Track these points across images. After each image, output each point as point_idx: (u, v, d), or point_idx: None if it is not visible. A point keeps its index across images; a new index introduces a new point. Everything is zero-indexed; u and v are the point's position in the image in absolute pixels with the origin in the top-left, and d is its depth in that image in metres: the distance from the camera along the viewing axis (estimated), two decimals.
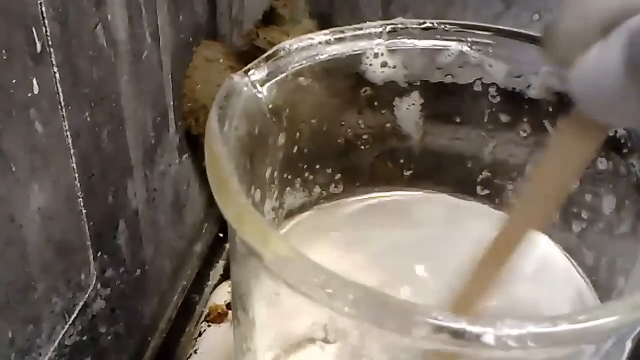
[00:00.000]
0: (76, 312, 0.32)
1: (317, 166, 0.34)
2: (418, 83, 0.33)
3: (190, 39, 0.42)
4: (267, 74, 0.29)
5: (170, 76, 0.40)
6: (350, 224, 0.36)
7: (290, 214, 0.34)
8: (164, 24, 0.38)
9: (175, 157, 0.42)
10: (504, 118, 0.33)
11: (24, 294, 0.28)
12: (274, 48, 0.30)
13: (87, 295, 0.33)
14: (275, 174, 0.32)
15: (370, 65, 0.32)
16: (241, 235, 0.22)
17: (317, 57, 0.30)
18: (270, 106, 0.30)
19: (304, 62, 0.30)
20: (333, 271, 0.20)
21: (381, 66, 0.32)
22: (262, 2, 0.47)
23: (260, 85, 0.29)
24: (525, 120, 0.32)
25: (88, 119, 0.31)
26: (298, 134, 0.32)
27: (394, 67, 0.32)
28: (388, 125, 0.34)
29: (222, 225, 0.49)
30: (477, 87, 0.32)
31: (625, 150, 0.29)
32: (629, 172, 0.29)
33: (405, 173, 0.36)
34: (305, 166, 0.33)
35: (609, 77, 0.20)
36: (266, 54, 0.30)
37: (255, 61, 0.29)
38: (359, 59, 0.32)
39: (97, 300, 0.34)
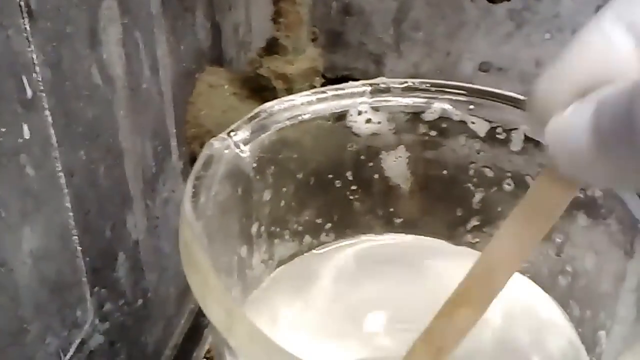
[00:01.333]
0: (72, 350, 0.33)
1: (306, 217, 0.35)
2: (404, 137, 0.33)
3: (193, 66, 0.43)
4: (250, 133, 0.30)
5: (172, 104, 0.40)
6: (341, 270, 0.36)
7: (282, 263, 0.35)
8: (164, 55, 0.38)
9: (180, 182, 0.43)
10: (488, 172, 0.33)
11: (15, 338, 0.28)
12: (256, 110, 0.31)
13: (83, 332, 0.33)
14: (263, 228, 0.32)
15: (355, 122, 0.32)
16: (209, 316, 0.23)
17: (300, 117, 0.31)
18: (254, 165, 0.31)
19: (287, 122, 0.31)
20: (297, 357, 0.21)
21: (366, 122, 0.32)
22: (266, 29, 0.47)
23: (244, 145, 0.30)
24: (508, 174, 0.33)
25: (83, 157, 0.31)
26: (284, 189, 0.33)
27: (379, 122, 0.33)
28: (376, 176, 0.35)
29: None
30: (462, 142, 0.33)
31: (602, 210, 0.29)
32: (607, 231, 0.29)
33: (396, 221, 0.37)
34: (294, 218, 0.34)
35: (578, 140, 0.20)
36: (249, 115, 0.30)
37: (238, 122, 0.30)
38: (343, 116, 0.32)
39: (95, 336, 0.35)
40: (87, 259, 0.33)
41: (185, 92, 0.43)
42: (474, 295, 0.25)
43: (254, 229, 0.32)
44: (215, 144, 0.29)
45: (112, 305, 0.36)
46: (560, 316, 0.33)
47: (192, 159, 0.43)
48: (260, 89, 0.47)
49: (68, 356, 0.32)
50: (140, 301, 0.39)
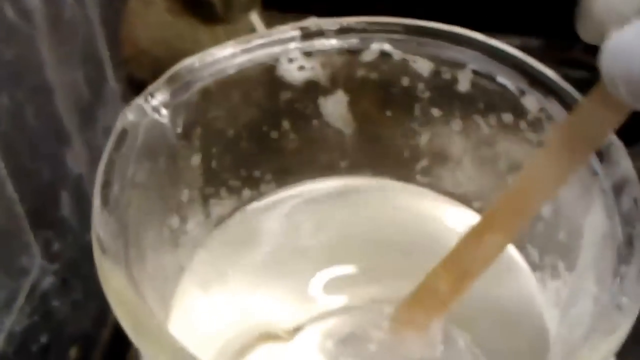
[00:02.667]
0: (22, 297, 0.32)
1: (243, 173, 0.32)
2: (341, 81, 0.30)
3: None
4: (170, 95, 0.27)
5: (101, 27, 0.37)
6: (286, 219, 0.34)
7: (221, 220, 0.33)
8: None
9: (121, 106, 0.40)
10: (435, 113, 0.31)
11: None
12: (174, 68, 0.27)
13: (31, 278, 0.32)
14: (195, 193, 0.30)
15: (286, 70, 0.29)
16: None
17: (224, 72, 0.28)
18: (177, 130, 0.28)
19: (210, 78, 0.28)
20: None
21: (298, 70, 0.29)
22: None
23: (164, 109, 0.27)
24: (457, 115, 0.30)
25: (7, 102, 0.29)
26: (214, 149, 0.30)
27: (312, 68, 0.30)
28: (315, 122, 0.32)
29: None
30: (405, 83, 0.30)
31: None
32: None
33: (341, 164, 0.34)
34: (229, 176, 0.31)
35: None
36: (166, 75, 0.27)
37: (154, 84, 0.27)
38: (273, 66, 0.29)
39: (45, 278, 0.33)
40: (26, 204, 0.31)
41: (115, 12, 0.40)
42: (505, 220, 0.24)
43: (185, 196, 0.29)
44: (130, 115, 0.25)
45: (60, 245, 0.34)
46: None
47: (131, 81, 0.41)
48: (196, 3, 0.43)
49: (19, 304, 0.31)
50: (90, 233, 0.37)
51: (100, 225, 0.22)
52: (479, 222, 0.25)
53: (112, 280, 0.21)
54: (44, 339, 0.34)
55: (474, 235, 0.25)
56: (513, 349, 0.29)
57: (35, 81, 0.31)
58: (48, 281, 0.33)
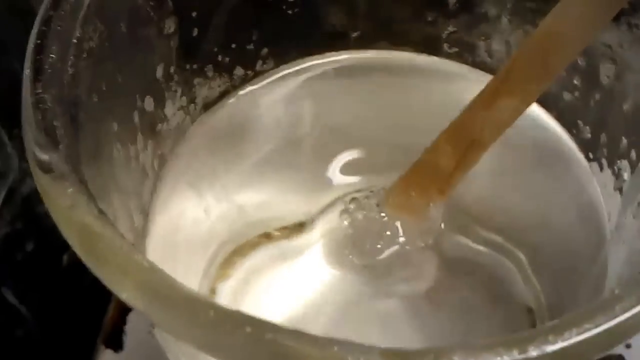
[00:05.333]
0: None
1: (233, 45, 0.26)
2: None
3: None
4: None
5: None
6: (287, 103, 0.29)
7: (209, 106, 0.27)
8: None
9: None
10: None
11: None
12: None
13: (10, 181, 0.29)
14: (172, 69, 0.24)
15: None
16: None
17: None
18: None
19: None
20: None
21: None
22: None
23: None
24: None
25: None
26: (195, 13, 0.24)
27: None
28: None
29: None
30: None
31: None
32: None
33: (352, 35, 0.28)
34: (215, 49, 0.26)
35: None
36: None
37: None
38: None
39: (26, 180, 0.30)
40: None
41: None
42: (522, 81, 0.20)
43: (160, 72, 0.24)
44: None
45: None
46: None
47: None
48: None
49: None
50: None
51: (33, 106, 0.16)
52: (491, 82, 0.21)
53: (53, 193, 0.16)
54: (29, 246, 0.31)
55: (485, 98, 0.21)
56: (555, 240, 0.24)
57: None
58: (30, 184, 0.30)
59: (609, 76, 0.23)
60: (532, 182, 0.26)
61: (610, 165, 0.24)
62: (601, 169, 0.24)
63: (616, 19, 0.22)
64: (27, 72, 0.17)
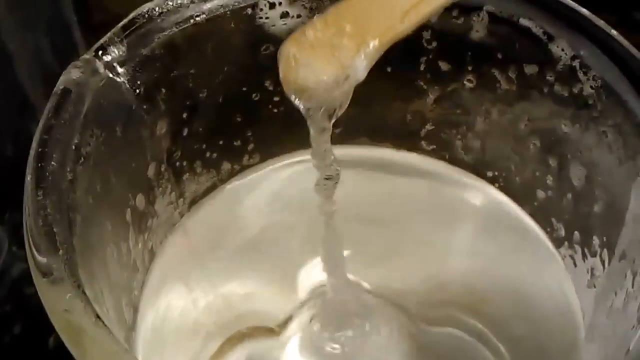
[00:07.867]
0: None
1: (220, 142, 0.27)
2: None
3: None
4: (127, 49, 0.22)
5: None
6: (273, 197, 0.29)
7: (199, 198, 0.28)
8: None
9: None
10: (443, 67, 0.26)
11: None
12: (131, 16, 0.23)
13: (1, 262, 0.30)
14: (163, 167, 0.25)
15: (267, 18, 0.25)
16: None
17: (192, 20, 0.23)
18: (137, 91, 0.23)
19: (174, 28, 0.23)
20: None
21: (281, 17, 0.25)
22: None
23: (120, 67, 0.22)
24: (469, 69, 0.25)
25: None
26: (185, 114, 0.25)
27: (298, 16, 0.25)
28: None
29: None
30: None
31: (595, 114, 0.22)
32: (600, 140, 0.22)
33: (335, 131, 0.29)
34: (204, 146, 0.27)
35: None
36: (121, 24, 0.22)
37: (106, 36, 0.22)
38: (251, 13, 0.24)
39: (15, 264, 0.31)
40: None
41: None
42: None
43: (151, 170, 0.25)
44: (75, 73, 0.21)
45: None
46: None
47: None
48: None
49: None
50: None
51: (34, 213, 0.17)
52: None
53: (51, 297, 0.17)
54: (17, 329, 0.31)
55: None
56: (534, 334, 0.25)
57: None
58: (19, 267, 0.31)
59: (580, 178, 0.24)
60: (511, 273, 0.27)
61: (584, 262, 0.25)
62: (575, 265, 0.25)
63: (585, 125, 0.23)
64: (28, 178, 0.17)
